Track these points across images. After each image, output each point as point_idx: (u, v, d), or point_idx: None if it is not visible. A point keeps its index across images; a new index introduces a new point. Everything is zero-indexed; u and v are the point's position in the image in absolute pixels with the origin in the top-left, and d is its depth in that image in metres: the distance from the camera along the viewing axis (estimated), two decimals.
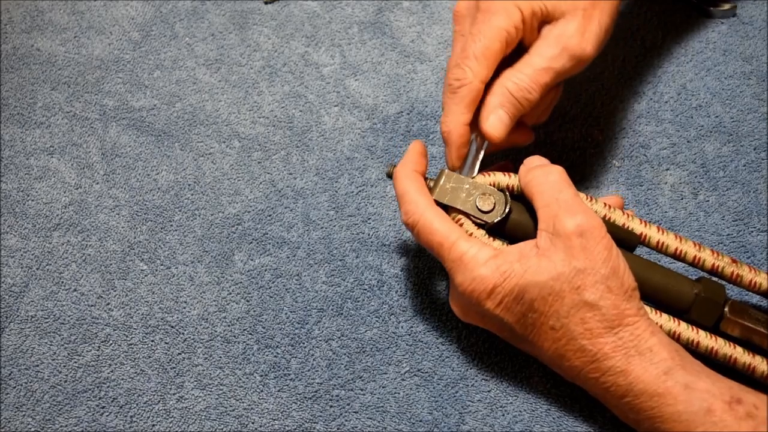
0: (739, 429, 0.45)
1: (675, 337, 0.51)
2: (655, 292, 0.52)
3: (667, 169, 0.64)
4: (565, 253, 0.48)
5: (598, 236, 0.48)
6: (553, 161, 0.55)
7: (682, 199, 0.62)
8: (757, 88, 0.66)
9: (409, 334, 0.59)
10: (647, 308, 0.51)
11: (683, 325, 0.51)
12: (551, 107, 0.58)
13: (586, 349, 0.48)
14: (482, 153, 0.55)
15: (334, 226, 0.63)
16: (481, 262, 0.49)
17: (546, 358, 0.51)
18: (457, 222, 0.52)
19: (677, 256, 0.53)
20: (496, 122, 0.53)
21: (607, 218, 0.52)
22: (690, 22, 0.70)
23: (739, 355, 0.51)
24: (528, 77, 0.52)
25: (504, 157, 0.65)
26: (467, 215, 0.52)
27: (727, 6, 0.70)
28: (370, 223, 0.62)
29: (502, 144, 0.56)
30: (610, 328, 0.48)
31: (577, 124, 0.66)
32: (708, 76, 0.67)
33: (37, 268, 0.62)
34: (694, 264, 0.53)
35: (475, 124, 0.54)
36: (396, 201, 0.62)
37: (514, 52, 0.54)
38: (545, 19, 0.53)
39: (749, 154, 0.64)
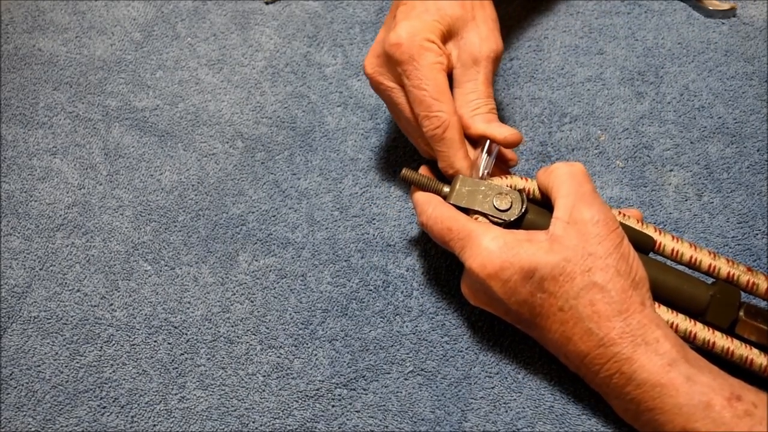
0: (736, 427, 0.45)
1: (691, 337, 0.51)
2: (670, 294, 0.52)
3: (671, 170, 0.64)
4: (578, 239, 0.49)
5: (612, 226, 0.50)
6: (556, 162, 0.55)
7: (686, 200, 0.62)
8: (759, 89, 0.67)
9: (414, 333, 0.58)
10: (664, 308, 0.51)
11: (699, 325, 0.51)
12: None
13: (593, 333, 0.49)
14: (492, 159, 0.57)
15: (339, 226, 0.62)
16: (489, 237, 0.51)
17: (551, 344, 0.52)
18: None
19: (692, 265, 0.53)
20: (503, 130, 0.56)
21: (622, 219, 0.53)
22: (691, 22, 0.70)
23: (756, 356, 0.51)
24: (480, 93, 0.56)
25: None
26: (485, 215, 0.53)
27: (726, 6, 0.70)
28: (374, 224, 0.62)
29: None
30: (619, 312, 0.48)
31: (579, 125, 0.66)
32: (710, 77, 0.67)
33: (41, 269, 0.61)
34: (710, 272, 0.53)
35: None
36: (399, 202, 0.64)
37: None
38: (449, 38, 0.56)
39: (753, 156, 0.64)
